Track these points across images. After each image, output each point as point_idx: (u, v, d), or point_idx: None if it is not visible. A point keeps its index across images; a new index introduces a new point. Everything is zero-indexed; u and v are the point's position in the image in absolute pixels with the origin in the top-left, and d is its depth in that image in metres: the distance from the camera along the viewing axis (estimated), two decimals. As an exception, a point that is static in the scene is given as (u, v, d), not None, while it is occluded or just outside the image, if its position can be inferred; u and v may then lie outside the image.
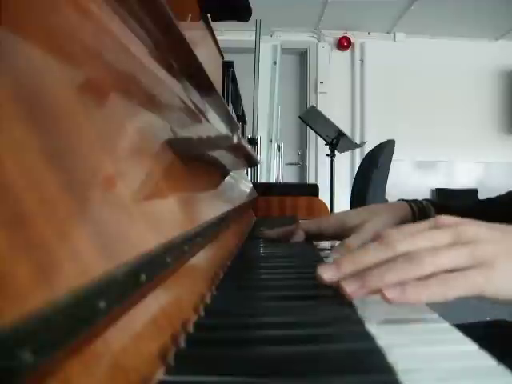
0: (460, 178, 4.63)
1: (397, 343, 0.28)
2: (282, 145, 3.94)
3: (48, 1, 0.26)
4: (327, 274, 0.34)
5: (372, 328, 0.30)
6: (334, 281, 0.34)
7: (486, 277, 0.33)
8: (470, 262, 0.33)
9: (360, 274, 0.34)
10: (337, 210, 2.78)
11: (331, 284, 0.35)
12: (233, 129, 1.00)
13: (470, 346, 0.28)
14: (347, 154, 3.92)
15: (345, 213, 0.74)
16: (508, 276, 0.33)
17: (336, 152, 2.85)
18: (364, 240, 0.67)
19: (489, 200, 0.75)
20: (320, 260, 0.59)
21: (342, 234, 0.68)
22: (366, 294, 0.33)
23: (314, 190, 1.52)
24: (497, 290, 0.33)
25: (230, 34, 3.77)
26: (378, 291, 0.32)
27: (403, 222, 0.71)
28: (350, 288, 0.33)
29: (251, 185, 1.35)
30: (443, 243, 0.35)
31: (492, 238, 0.35)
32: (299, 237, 0.72)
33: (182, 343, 0.26)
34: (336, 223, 0.71)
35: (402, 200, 0.74)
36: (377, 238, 0.37)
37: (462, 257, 0.33)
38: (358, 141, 4.03)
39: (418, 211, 0.72)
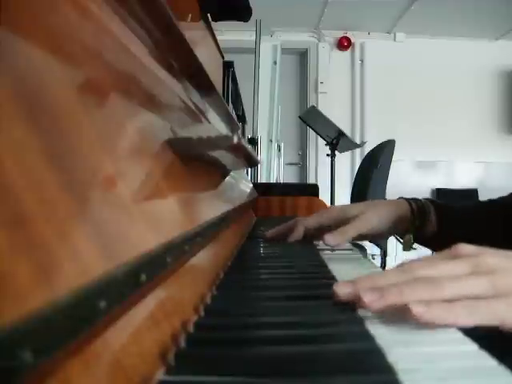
0: (460, 178, 4.63)
1: (397, 343, 0.28)
2: (282, 145, 3.94)
3: (48, 1, 0.26)
4: (343, 290, 0.34)
5: (372, 328, 0.30)
6: (350, 296, 0.34)
7: (507, 306, 0.32)
8: (490, 292, 0.33)
9: (379, 288, 0.33)
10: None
11: (347, 300, 0.34)
12: (233, 129, 1.00)
13: (470, 346, 0.28)
14: (347, 153, 3.92)
15: (344, 205, 0.74)
16: None
17: (336, 152, 2.85)
18: (360, 230, 0.67)
19: (490, 201, 0.75)
20: (320, 260, 0.59)
21: (341, 225, 0.69)
22: (384, 306, 0.32)
23: (314, 189, 1.52)
24: None
25: (230, 33, 3.76)
26: (401, 306, 0.31)
27: (401, 218, 0.71)
28: (368, 298, 0.32)
29: (251, 185, 1.35)
30: (463, 272, 0.35)
31: (511, 267, 0.35)
32: (298, 234, 0.72)
33: (183, 343, 0.26)
34: (336, 215, 0.71)
35: (403, 198, 0.75)
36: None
37: (482, 285, 0.33)
38: (358, 141, 4.02)
39: (417, 209, 0.72)
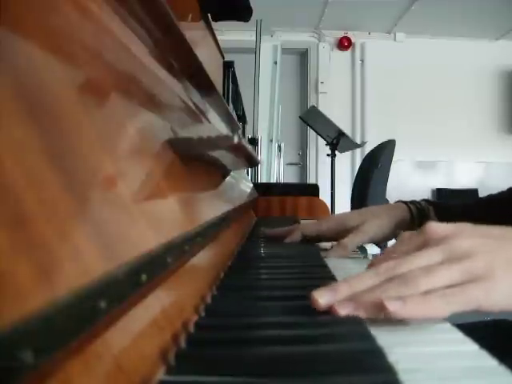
0: (460, 178, 4.63)
1: (397, 343, 0.28)
2: (283, 145, 3.94)
3: (48, 1, 0.25)
4: (323, 298, 0.33)
5: (372, 328, 0.30)
6: (329, 304, 0.33)
7: (484, 290, 0.32)
8: (466, 277, 0.33)
9: (355, 297, 0.33)
10: (337, 210, 2.77)
11: (327, 308, 0.33)
12: (233, 129, 1.00)
13: (471, 346, 0.28)
14: (348, 153, 3.92)
15: (344, 214, 0.74)
16: (506, 288, 0.32)
17: (336, 152, 2.85)
18: (360, 241, 0.67)
19: (489, 198, 0.75)
20: (321, 260, 0.59)
21: (340, 235, 0.69)
22: (362, 316, 0.32)
23: (314, 189, 1.52)
24: (494, 302, 0.32)
25: (231, 33, 3.77)
26: (377, 307, 0.31)
27: (401, 223, 0.71)
28: (345, 310, 0.32)
29: (252, 185, 1.35)
30: (436, 261, 0.34)
31: (486, 250, 0.34)
32: (295, 237, 0.72)
33: (183, 343, 0.26)
34: (335, 226, 0.71)
35: (401, 202, 0.75)
36: (371, 265, 0.37)
37: (457, 273, 0.33)
38: (358, 141, 4.02)
39: (417, 212, 0.72)
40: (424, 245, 0.37)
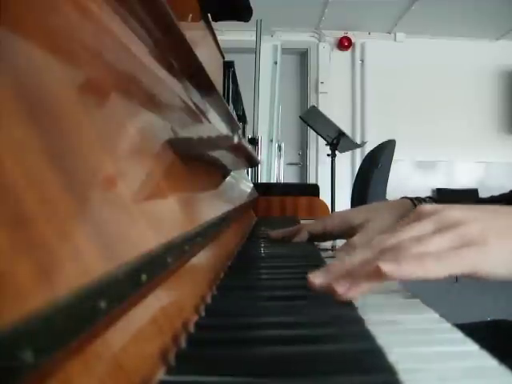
0: (460, 178, 4.63)
1: (397, 343, 0.28)
2: (283, 145, 3.94)
3: (48, 1, 0.25)
4: (318, 279, 0.34)
5: (372, 328, 0.30)
6: (324, 284, 0.34)
7: (478, 253, 0.32)
8: (458, 243, 0.33)
9: (349, 274, 0.33)
10: (337, 210, 2.78)
11: (322, 289, 0.34)
12: (233, 129, 1.00)
13: (471, 346, 0.28)
14: (348, 153, 3.92)
15: (348, 212, 0.74)
16: (500, 253, 0.32)
17: (337, 152, 2.85)
18: (368, 239, 0.67)
19: (491, 199, 0.75)
20: (321, 261, 0.59)
21: (347, 233, 0.69)
22: (358, 292, 0.32)
23: (314, 189, 1.52)
24: (489, 268, 0.32)
25: (231, 33, 3.77)
26: (372, 276, 0.31)
27: None
28: (341, 288, 0.32)
29: (252, 185, 1.35)
30: (428, 231, 0.34)
31: (477, 218, 0.34)
32: (303, 236, 0.72)
33: (183, 343, 0.26)
34: (341, 223, 0.71)
35: (405, 198, 0.74)
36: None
37: (450, 240, 0.33)
38: (358, 141, 4.03)
39: None
40: (415, 221, 0.37)
